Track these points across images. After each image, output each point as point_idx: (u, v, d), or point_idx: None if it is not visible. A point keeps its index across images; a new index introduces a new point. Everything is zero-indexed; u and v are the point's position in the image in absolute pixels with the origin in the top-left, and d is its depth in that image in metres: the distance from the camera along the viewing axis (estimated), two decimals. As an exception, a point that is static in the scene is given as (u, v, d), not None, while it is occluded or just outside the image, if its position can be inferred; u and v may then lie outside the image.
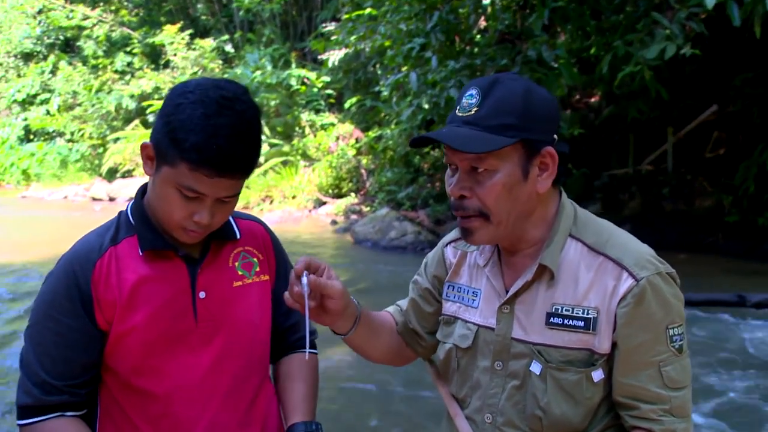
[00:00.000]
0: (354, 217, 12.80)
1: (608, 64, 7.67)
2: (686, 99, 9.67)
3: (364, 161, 14.25)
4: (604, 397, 1.38)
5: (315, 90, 15.74)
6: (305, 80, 15.57)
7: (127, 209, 1.53)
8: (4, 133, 22.49)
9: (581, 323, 1.35)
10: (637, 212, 9.82)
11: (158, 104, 17.42)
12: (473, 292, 1.52)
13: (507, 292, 1.44)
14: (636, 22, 7.72)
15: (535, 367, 1.39)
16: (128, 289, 1.44)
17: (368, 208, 12.96)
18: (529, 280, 1.40)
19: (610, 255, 1.36)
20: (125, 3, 21.49)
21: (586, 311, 1.35)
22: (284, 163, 14.90)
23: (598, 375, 1.36)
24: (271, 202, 14.62)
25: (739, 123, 9.54)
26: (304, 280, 1.34)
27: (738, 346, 5.71)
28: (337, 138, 14.86)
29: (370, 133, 14.04)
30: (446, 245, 1.64)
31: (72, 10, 20.85)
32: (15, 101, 22.31)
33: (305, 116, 15.39)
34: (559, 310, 1.37)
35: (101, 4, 21.36)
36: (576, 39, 8.98)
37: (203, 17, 20.18)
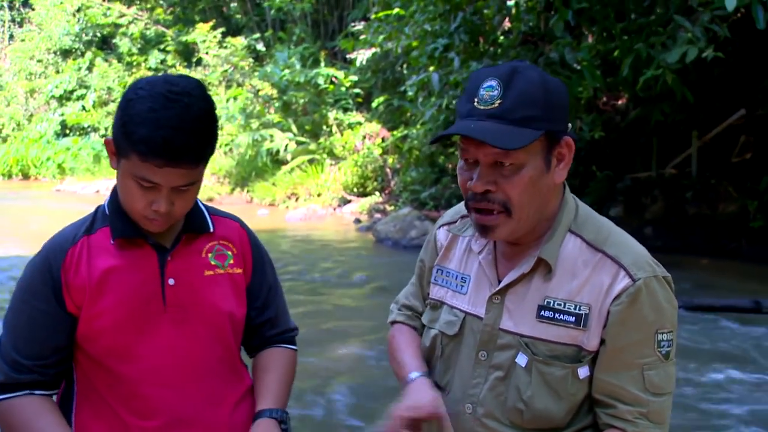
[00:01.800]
0: (378, 215, 12.89)
1: (630, 67, 7.66)
2: (713, 102, 9.55)
3: (389, 160, 14.31)
4: (588, 395, 1.38)
5: (343, 89, 15.83)
6: (333, 79, 15.67)
7: (104, 203, 1.61)
8: (41, 128, 23.07)
9: (572, 318, 1.34)
10: (659, 216, 9.73)
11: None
12: (462, 278, 1.50)
13: (499, 282, 1.42)
14: (663, 25, 7.68)
15: (521, 359, 1.37)
16: (98, 274, 1.51)
17: (392, 207, 13.02)
18: (525, 272, 1.39)
19: (608, 253, 1.35)
20: (160, 1, 21.85)
21: (578, 307, 1.34)
22: (310, 161, 15.02)
23: (584, 372, 1.35)
24: (297, 199, 14.79)
25: (767, 127, 9.40)
26: None
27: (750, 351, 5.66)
28: (364, 137, 14.92)
29: (396, 132, 14.10)
30: (439, 227, 1.61)
31: (109, 8, 21.21)
32: (53, 96, 22.90)
33: (332, 115, 15.48)
34: (551, 304, 1.35)
35: (137, 2, 21.74)
36: (601, 41, 8.95)
37: (236, 16, 20.42)
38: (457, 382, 1.46)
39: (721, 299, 6.96)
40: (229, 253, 1.64)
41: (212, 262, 1.61)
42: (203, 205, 1.66)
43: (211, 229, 1.63)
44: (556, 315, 1.35)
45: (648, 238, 9.31)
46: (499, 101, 1.28)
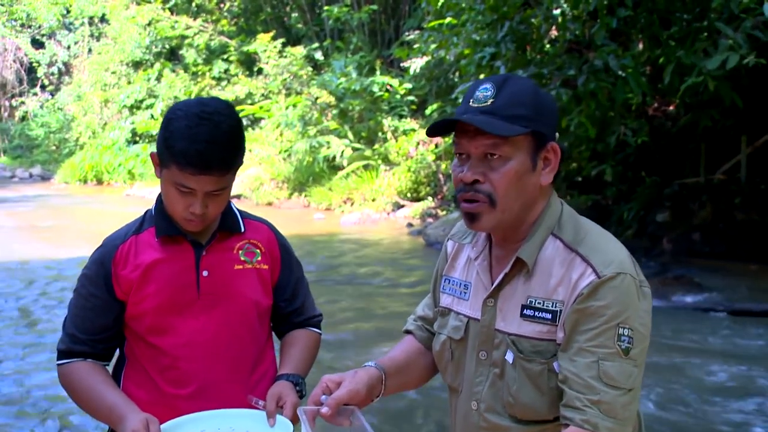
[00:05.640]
0: (429, 220, 13.15)
1: (673, 73, 7.69)
2: (764, 107, 9.48)
3: (442, 166, 14.54)
4: None
5: (398, 96, 16.11)
6: (388, 87, 15.98)
7: (152, 207, 1.88)
8: (114, 136, 24.39)
9: (549, 316, 1.42)
10: (707, 221, 9.70)
11: (250, 109, 18.36)
12: (465, 285, 1.59)
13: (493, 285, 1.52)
14: (709, 32, 7.69)
15: (509, 357, 1.46)
16: (143, 266, 1.79)
17: (444, 212, 13.27)
18: (507, 272, 1.48)
19: (580, 252, 1.42)
20: (224, 13, 22.70)
21: (554, 304, 1.41)
22: (366, 167, 15.40)
23: (558, 366, 1.40)
24: (352, 204, 15.17)
25: (818, 133, 9.29)
26: (324, 409, 1.47)
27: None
28: (418, 143, 15.21)
29: (448, 138, 14.33)
30: (448, 240, 1.72)
31: (176, 21, 22.13)
32: (125, 106, 24.13)
33: (387, 122, 15.79)
34: (532, 303, 1.44)
35: (202, 14, 22.65)
36: (648, 47, 9.00)
37: (297, 26, 20.97)
38: (465, 382, 1.56)
39: (761, 304, 6.99)
40: (258, 251, 1.88)
41: (242, 258, 1.86)
42: (237, 209, 1.92)
43: (242, 230, 1.88)
44: (536, 313, 1.43)
45: (695, 244, 9.33)
46: (491, 100, 1.41)
